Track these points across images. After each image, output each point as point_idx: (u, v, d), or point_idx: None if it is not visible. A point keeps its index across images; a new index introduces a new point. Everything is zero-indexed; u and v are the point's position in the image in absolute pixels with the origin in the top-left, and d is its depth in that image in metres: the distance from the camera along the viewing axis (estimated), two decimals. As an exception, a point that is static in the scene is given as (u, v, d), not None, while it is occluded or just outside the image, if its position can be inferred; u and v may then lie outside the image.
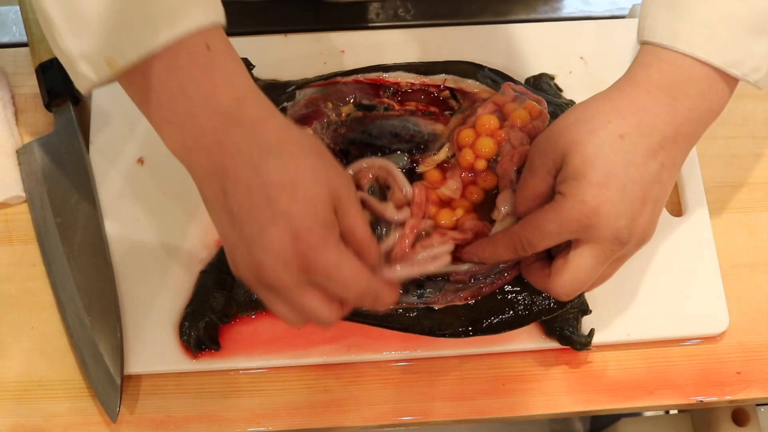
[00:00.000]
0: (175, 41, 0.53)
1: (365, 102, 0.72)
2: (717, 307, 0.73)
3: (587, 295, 0.70)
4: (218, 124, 0.53)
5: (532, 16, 0.90)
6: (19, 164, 0.78)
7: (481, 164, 0.67)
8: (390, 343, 0.71)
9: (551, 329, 0.71)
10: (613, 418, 1.00)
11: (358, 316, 0.66)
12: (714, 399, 0.72)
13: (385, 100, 0.72)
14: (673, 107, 0.59)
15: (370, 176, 0.67)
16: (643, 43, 0.62)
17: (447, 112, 0.72)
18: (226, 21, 0.56)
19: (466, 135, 0.68)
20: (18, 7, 0.84)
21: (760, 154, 0.81)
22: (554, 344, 0.72)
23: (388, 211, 0.65)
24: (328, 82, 0.73)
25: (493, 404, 0.71)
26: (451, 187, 0.67)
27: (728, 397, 0.72)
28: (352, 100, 0.72)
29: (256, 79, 0.78)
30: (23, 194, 0.77)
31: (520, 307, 0.67)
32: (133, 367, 0.70)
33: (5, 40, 0.87)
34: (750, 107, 0.83)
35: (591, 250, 0.59)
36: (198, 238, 0.74)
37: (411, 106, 0.72)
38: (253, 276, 0.55)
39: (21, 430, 0.70)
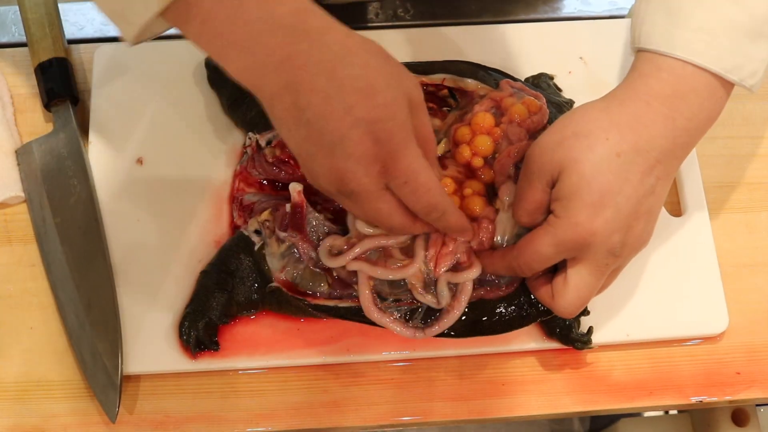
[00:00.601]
0: None
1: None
2: (717, 308, 0.73)
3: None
4: (284, 39, 0.53)
5: (532, 16, 0.90)
6: (18, 164, 0.78)
7: (477, 161, 0.67)
8: (390, 343, 0.71)
9: (551, 329, 0.71)
10: (612, 418, 1.00)
11: (358, 315, 0.66)
12: (714, 399, 0.72)
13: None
14: (672, 119, 0.59)
15: None
16: (640, 50, 0.62)
17: (445, 108, 0.72)
18: None
19: (463, 133, 0.68)
20: (17, 7, 0.84)
21: (759, 154, 0.81)
22: (554, 344, 0.72)
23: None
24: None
25: (492, 404, 0.71)
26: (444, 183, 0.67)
27: (728, 398, 0.72)
28: None
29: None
30: (22, 194, 0.77)
31: (520, 308, 0.66)
32: (132, 367, 0.70)
33: (4, 40, 0.87)
34: (750, 107, 0.83)
35: (588, 268, 0.60)
36: (198, 238, 0.74)
37: None
38: (332, 183, 0.55)
39: (20, 431, 0.69)
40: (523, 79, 0.79)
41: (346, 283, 0.66)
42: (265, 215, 0.69)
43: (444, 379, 0.72)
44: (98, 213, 0.75)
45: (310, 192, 0.66)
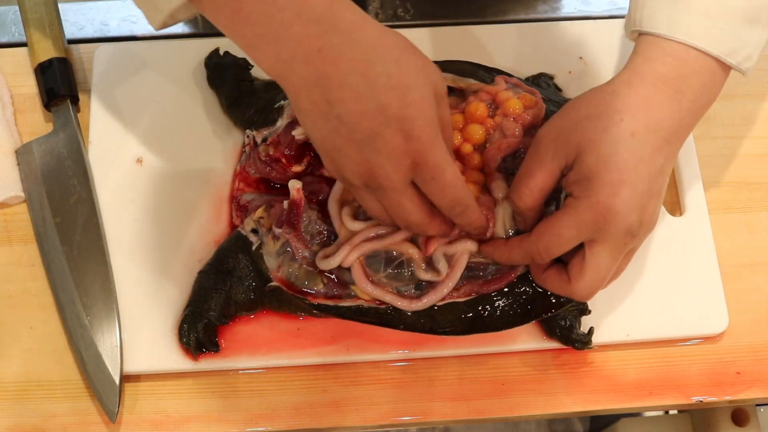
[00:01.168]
0: None
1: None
2: (716, 307, 0.73)
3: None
4: (315, 31, 0.53)
5: (532, 16, 0.90)
6: (18, 164, 0.78)
7: (467, 147, 0.67)
8: (390, 343, 0.71)
9: (551, 329, 0.71)
10: (612, 418, 1.00)
11: (358, 315, 0.66)
12: (714, 399, 0.72)
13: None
14: (678, 101, 0.61)
15: None
16: (641, 34, 0.63)
17: None
18: None
19: (455, 120, 0.68)
20: (17, 7, 0.84)
21: (759, 154, 0.81)
22: (554, 344, 0.72)
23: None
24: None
25: (492, 404, 0.71)
26: None
27: (728, 397, 0.72)
28: None
29: (255, 79, 0.78)
30: (22, 194, 0.77)
31: (520, 305, 0.66)
32: (132, 367, 0.70)
33: (4, 40, 0.87)
34: (750, 107, 0.83)
35: (606, 249, 0.61)
36: (198, 238, 0.74)
37: None
38: (360, 176, 0.56)
39: (20, 430, 0.69)
40: (523, 79, 0.79)
41: (342, 282, 0.66)
42: (259, 212, 0.69)
43: (444, 379, 0.72)
44: (98, 213, 0.75)
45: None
